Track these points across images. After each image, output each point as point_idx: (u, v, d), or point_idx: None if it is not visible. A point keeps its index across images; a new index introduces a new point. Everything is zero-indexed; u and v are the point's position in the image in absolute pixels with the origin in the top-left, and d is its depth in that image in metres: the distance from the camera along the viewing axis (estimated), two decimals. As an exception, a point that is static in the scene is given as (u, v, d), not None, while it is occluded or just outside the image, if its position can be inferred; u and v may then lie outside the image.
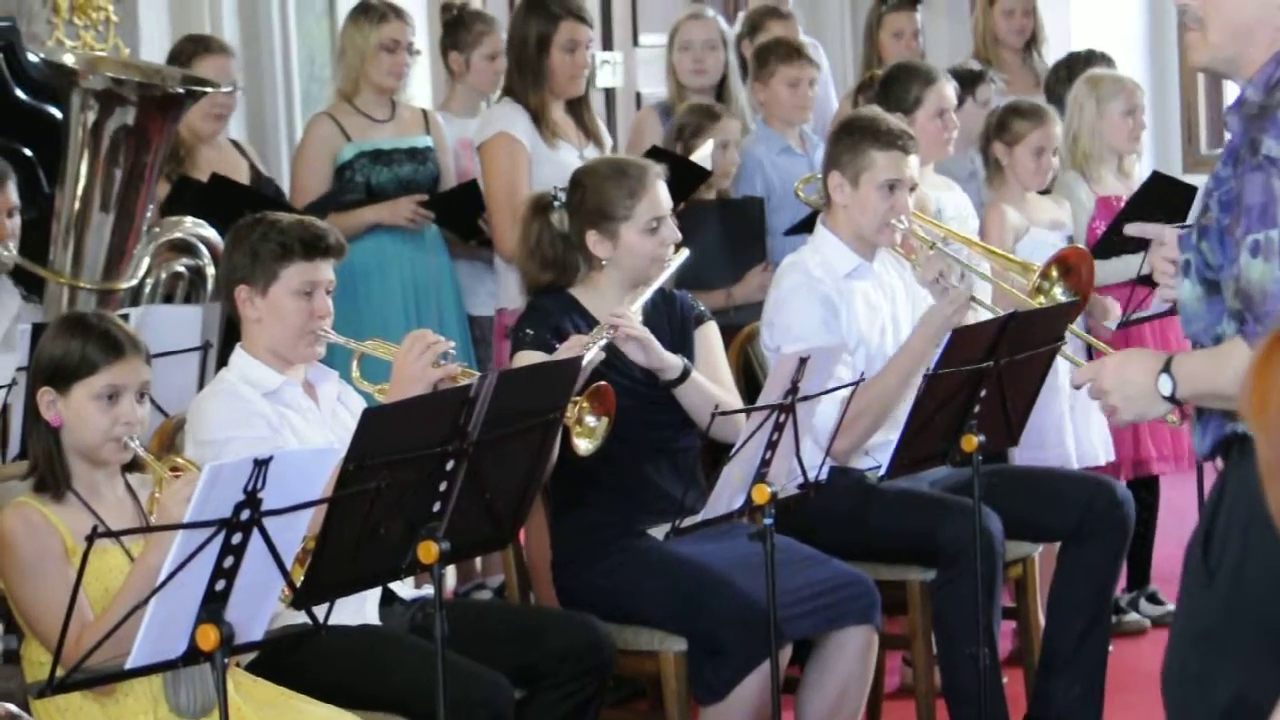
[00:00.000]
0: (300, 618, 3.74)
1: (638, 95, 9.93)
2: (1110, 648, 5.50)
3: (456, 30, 7.07)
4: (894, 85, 6.40)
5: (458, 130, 6.90)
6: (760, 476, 4.48)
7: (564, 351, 4.80)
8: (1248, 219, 3.31)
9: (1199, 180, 5.03)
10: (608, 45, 9.97)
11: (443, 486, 3.90)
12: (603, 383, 4.63)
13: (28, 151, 6.28)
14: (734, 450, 4.45)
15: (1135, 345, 6.08)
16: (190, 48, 6.58)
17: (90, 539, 3.39)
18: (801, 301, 5.34)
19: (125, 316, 4.93)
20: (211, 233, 5.81)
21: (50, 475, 4.08)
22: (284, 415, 4.49)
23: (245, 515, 3.44)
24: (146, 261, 5.77)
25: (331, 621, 3.69)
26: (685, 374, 5.01)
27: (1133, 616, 6.57)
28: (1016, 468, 5.79)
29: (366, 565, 3.87)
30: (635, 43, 10.14)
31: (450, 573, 6.74)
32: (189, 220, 5.87)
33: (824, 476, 4.72)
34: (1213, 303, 3.43)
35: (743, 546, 4.71)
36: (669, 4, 9.60)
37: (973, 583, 4.93)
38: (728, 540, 4.85)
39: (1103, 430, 6.31)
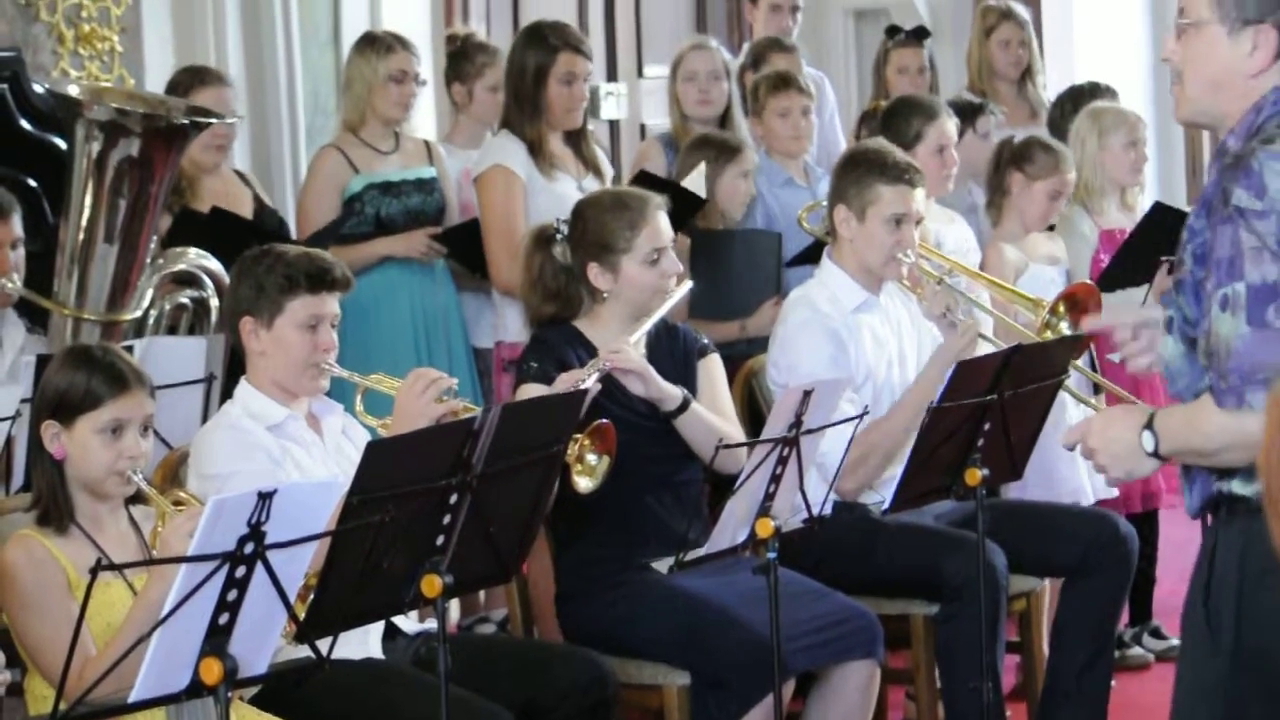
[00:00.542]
0: (303, 651, 3.74)
1: (642, 127, 9.92)
2: (1113, 682, 5.50)
3: (460, 62, 7.08)
4: (895, 119, 6.39)
5: (461, 161, 6.88)
6: (764, 510, 4.47)
7: (558, 387, 4.79)
8: (1218, 272, 3.25)
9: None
10: (612, 76, 9.97)
11: (446, 519, 3.89)
12: (604, 420, 4.61)
13: (32, 182, 6.29)
14: (738, 484, 4.45)
15: (1146, 388, 6.06)
16: (188, 79, 6.56)
17: (94, 572, 3.38)
18: (810, 339, 5.33)
19: (129, 348, 4.93)
20: (215, 264, 5.80)
21: (54, 508, 4.08)
22: (286, 449, 4.49)
23: (249, 548, 3.43)
24: (150, 293, 5.77)
25: (335, 655, 3.68)
26: (685, 405, 5.01)
27: (1136, 651, 6.55)
28: (1020, 502, 5.78)
29: (370, 599, 3.85)
30: (640, 74, 10.15)
31: (454, 606, 6.71)
32: (193, 252, 5.86)
33: (828, 510, 4.72)
34: (1194, 359, 3.36)
35: (745, 580, 4.69)
36: (674, 35, 9.58)
37: (976, 617, 4.93)
38: (731, 574, 4.84)
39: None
